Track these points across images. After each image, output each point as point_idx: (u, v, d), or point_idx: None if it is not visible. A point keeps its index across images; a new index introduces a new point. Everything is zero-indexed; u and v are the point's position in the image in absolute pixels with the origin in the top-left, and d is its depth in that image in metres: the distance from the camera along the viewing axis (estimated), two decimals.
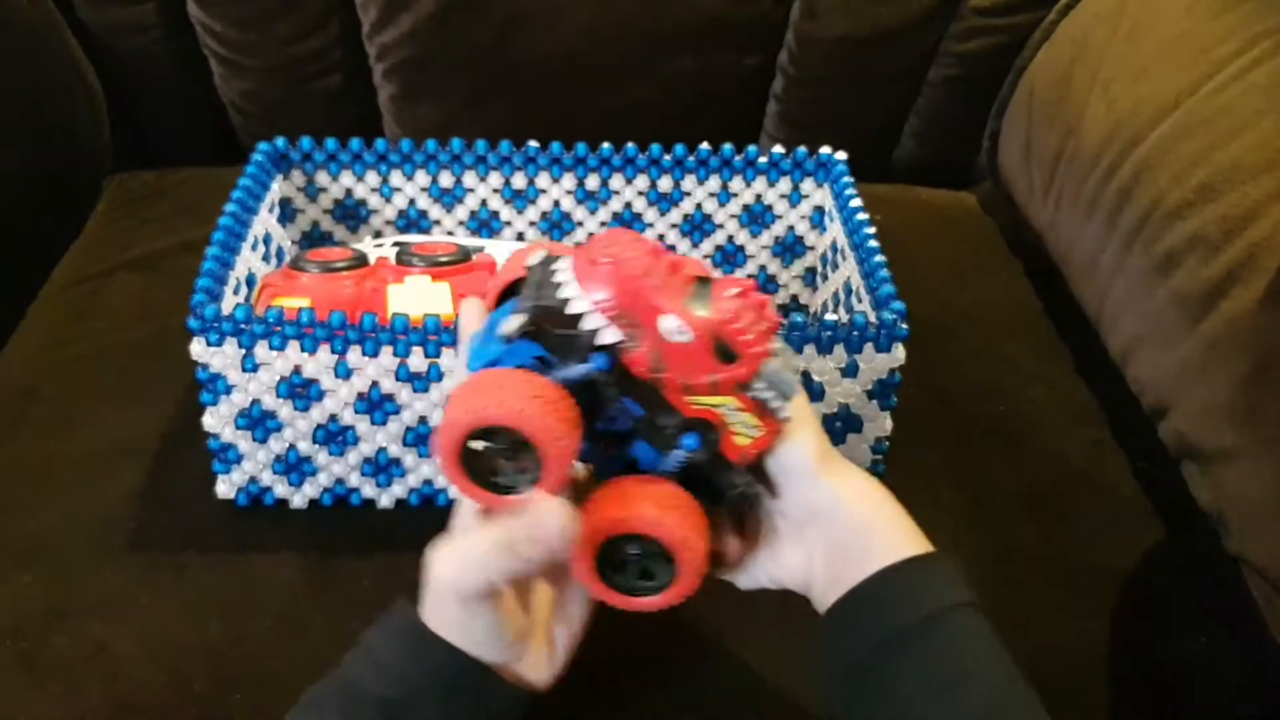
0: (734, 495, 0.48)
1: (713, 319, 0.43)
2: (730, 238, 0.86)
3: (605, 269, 0.43)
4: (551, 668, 0.50)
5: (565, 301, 0.44)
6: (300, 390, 0.66)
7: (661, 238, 0.86)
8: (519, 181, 0.83)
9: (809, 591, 0.50)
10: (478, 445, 0.44)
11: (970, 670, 0.45)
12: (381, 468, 0.70)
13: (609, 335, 0.44)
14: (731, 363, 0.44)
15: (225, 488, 0.71)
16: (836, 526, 0.48)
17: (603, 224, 0.85)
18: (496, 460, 0.44)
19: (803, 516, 0.49)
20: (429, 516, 0.71)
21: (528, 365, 0.45)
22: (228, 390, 0.66)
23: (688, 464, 0.47)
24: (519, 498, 0.44)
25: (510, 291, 0.51)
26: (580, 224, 0.85)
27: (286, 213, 0.83)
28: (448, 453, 0.43)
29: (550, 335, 0.44)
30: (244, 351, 0.65)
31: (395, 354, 0.65)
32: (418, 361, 0.65)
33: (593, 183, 0.83)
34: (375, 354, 0.65)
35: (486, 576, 0.44)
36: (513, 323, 0.44)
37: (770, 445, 0.47)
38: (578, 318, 0.44)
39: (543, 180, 0.83)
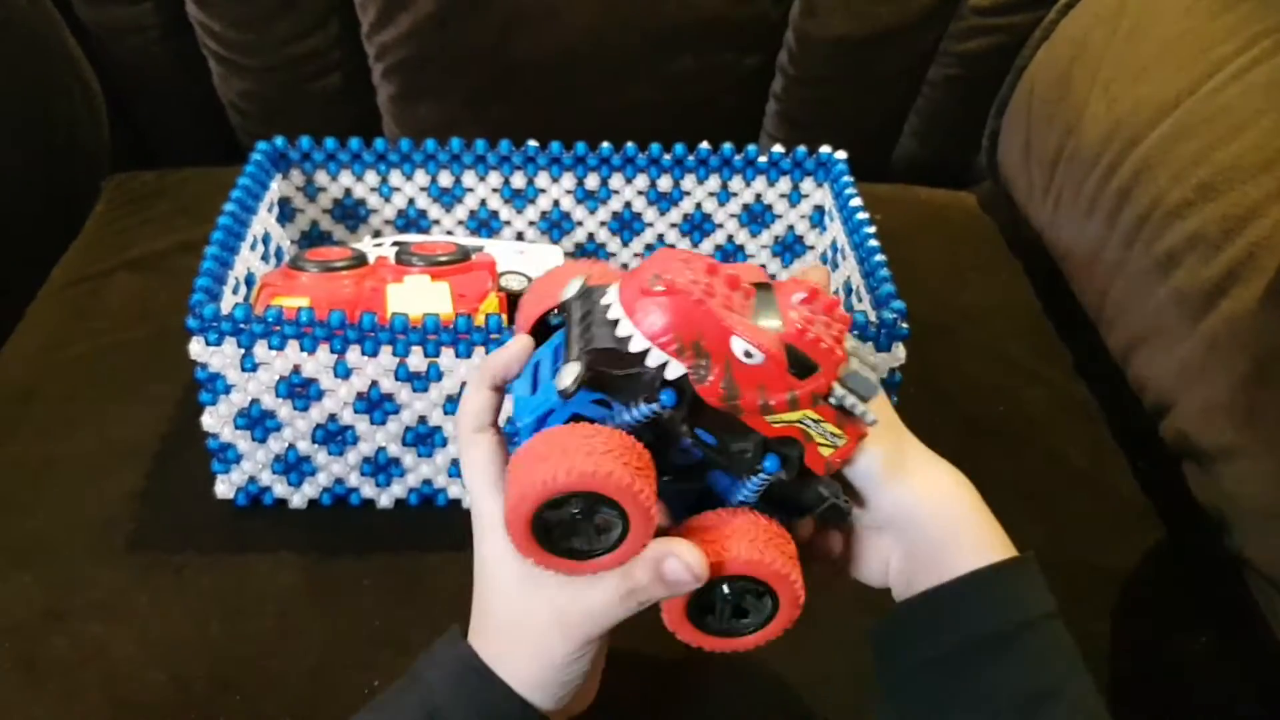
0: (823, 509, 0.45)
1: (784, 332, 0.40)
2: (730, 237, 0.86)
3: (660, 298, 0.39)
4: (589, 696, 0.49)
5: (623, 340, 0.40)
6: (299, 390, 0.66)
7: (661, 237, 0.86)
8: (518, 181, 0.83)
9: (888, 587, 0.48)
10: (551, 515, 0.41)
11: (1058, 685, 0.43)
12: (381, 467, 0.70)
13: (675, 369, 0.40)
14: (808, 374, 0.41)
15: (224, 488, 0.70)
16: (910, 534, 0.46)
17: (602, 224, 0.85)
18: (572, 524, 0.41)
19: (878, 521, 0.47)
20: (428, 516, 0.71)
21: (586, 414, 0.42)
22: (227, 390, 0.66)
23: (769, 485, 0.43)
24: (606, 560, 0.41)
25: (542, 322, 0.47)
26: (580, 223, 0.85)
27: (285, 212, 0.83)
28: (519, 530, 0.40)
29: (609, 378, 0.41)
30: (243, 351, 0.65)
31: (394, 353, 0.65)
32: (417, 361, 0.65)
33: (592, 182, 0.83)
34: (374, 353, 0.65)
35: (611, 623, 0.43)
36: (568, 375, 0.40)
37: (855, 451, 0.44)
38: (638, 355, 0.40)
39: (542, 180, 0.83)
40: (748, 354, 0.39)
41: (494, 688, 0.44)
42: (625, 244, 0.86)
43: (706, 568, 0.41)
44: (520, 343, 0.45)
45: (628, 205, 0.84)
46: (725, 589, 0.43)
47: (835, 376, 0.41)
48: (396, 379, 0.66)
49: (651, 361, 0.40)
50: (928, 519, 0.45)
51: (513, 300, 0.76)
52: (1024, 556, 0.46)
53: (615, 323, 0.40)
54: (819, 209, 0.85)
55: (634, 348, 0.40)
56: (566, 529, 0.41)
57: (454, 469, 0.70)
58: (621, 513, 0.40)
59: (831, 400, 0.41)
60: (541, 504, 0.39)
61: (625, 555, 0.41)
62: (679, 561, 0.41)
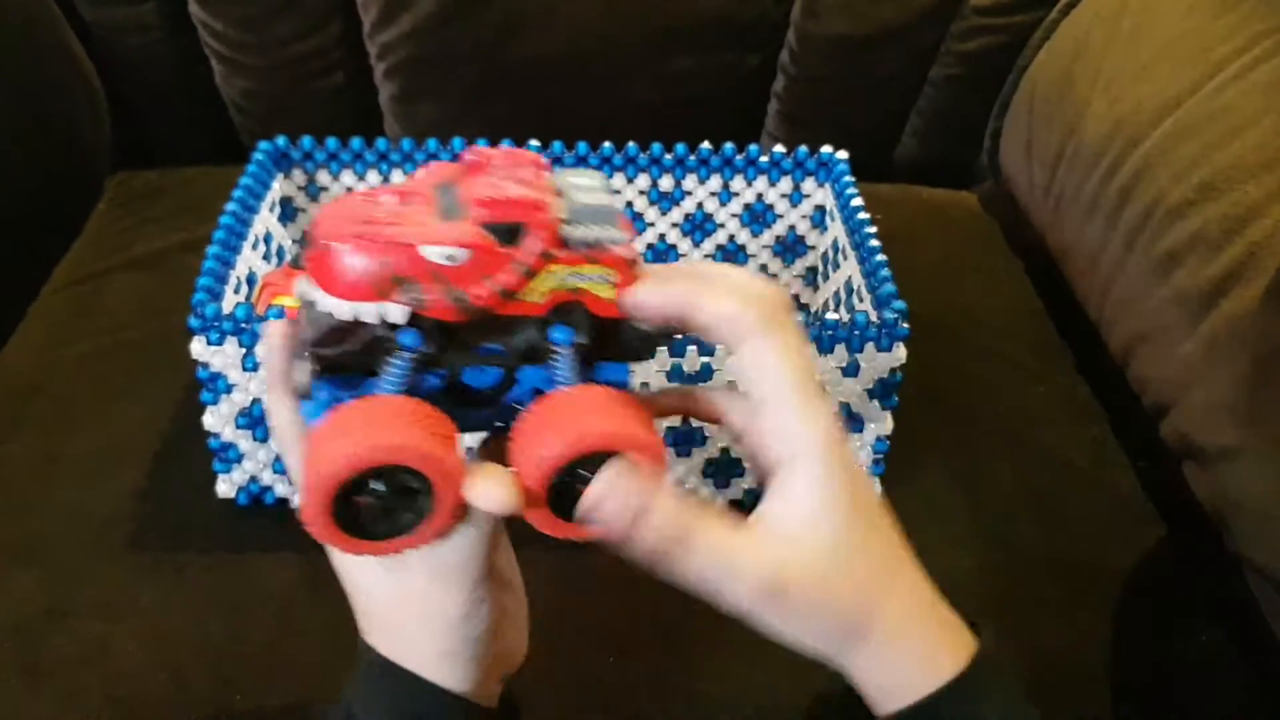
0: (653, 344, 0.41)
1: (469, 214, 0.37)
2: (731, 237, 0.86)
3: (331, 256, 0.36)
4: (516, 652, 0.47)
5: (330, 315, 0.37)
6: None
7: (663, 237, 0.86)
8: None
9: None
10: (357, 503, 0.38)
11: None
12: None
13: (395, 312, 0.37)
14: (522, 237, 0.37)
15: (225, 487, 0.71)
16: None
17: None
18: (379, 504, 0.38)
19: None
20: None
21: (347, 400, 0.39)
22: (228, 389, 0.66)
23: (581, 353, 0.40)
24: (420, 533, 0.39)
25: None
26: None
27: (287, 212, 0.83)
28: (319, 523, 0.37)
29: (347, 357, 0.38)
30: (244, 350, 0.65)
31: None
32: None
33: None
34: None
35: (484, 553, 0.41)
36: (300, 374, 0.39)
37: (635, 275, 0.39)
38: (355, 322, 0.37)
39: None
40: (448, 257, 0.37)
41: (398, 678, 0.42)
42: None
43: (508, 491, 0.38)
44: (275, 329, 0.41)
45: (629, 205, 0.84)
46: (581, 471, 0.39)
47: (550, 225, 0.38)
48: None
49: (368, 318, 0.37)
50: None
51: None
52: (969, 670, 0.39)
53: (315, 303, 0.38)
54: (820, 209, 0.85)
55: (344, 316, 0.37)
56: (378, 510, 0.38)
57: None
58: (415, 472, 0.37)
59: (572, 245, 0.38)
60: (334, 493, 0.37)
61: (443, 511, 0.38)
62: (495, 492, 0.38)
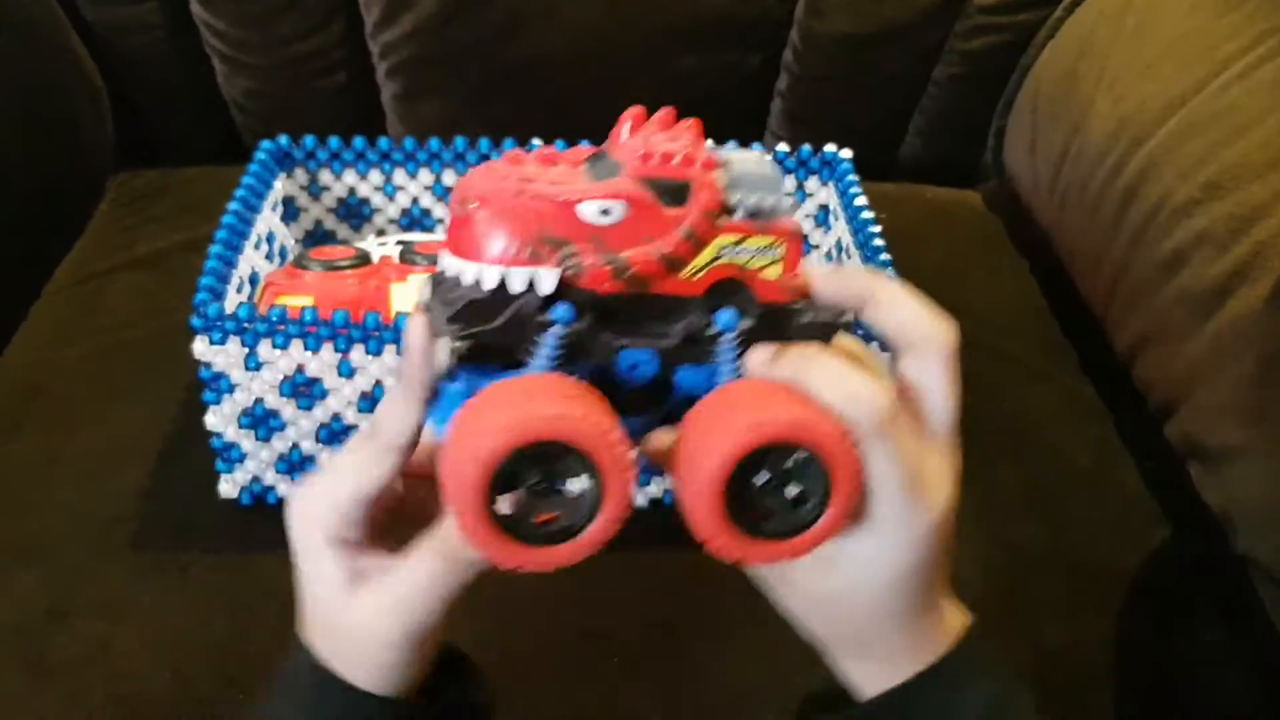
0: (826, 335, 0.36)
1: (629, 169, 0.34)
2: None
3: (480, 216, 0.33)
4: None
5: (474, 286, 0.33)
6: (303, 389, 0.66)
7: None
8: None
9: None
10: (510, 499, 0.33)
11: None
12: None
13: (547, 278, 0.33)
14: (685, 197, 0.34)
15: (228, 487, 0.70)
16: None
17: None
18: (532, 501, 0.33)
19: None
20: None
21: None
22: (230, 389, 0.66)
23: (747, 340, 0.35)
24: (589, 536, 0.33)
25: None
26: None
27: (290, 211, 0.83)
28: (478, 528, 0.32)
29: (490, 334, 0.34)
30: (247, 350, 0.65)
31: (398, 353, 0.65)
32: None
33: None
34: (378, 353, 0.65)
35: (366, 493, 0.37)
36: (442, 352, 0.34)
37: (800, 252, 0.36)
38: (501, 292, 0.33)
39: None
40: (604, 212, 0.33)
41: (330, 684, 0.40)
42: None
43: (412, 425, 0.34)
44: (416, 322, 0.35)
45: None
46: (764, 472, 0.33)
47: (715, 182, 0.34)
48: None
49: (516, 286, 0.33)
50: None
51: None
52: (935, 666, 0.38)
53: (458, 278, 0.34)
54: (824, 208, 0.85)
55: (489, 284, 0.33)
56: (529, 507, 0.33)
57: None
58: (586, 463, 0.32)
59: (738, 213, 0.34)
60: (493, 473, 0.31)
61: (612, 505, 0.32)
62: (399, 420, 0.34)
